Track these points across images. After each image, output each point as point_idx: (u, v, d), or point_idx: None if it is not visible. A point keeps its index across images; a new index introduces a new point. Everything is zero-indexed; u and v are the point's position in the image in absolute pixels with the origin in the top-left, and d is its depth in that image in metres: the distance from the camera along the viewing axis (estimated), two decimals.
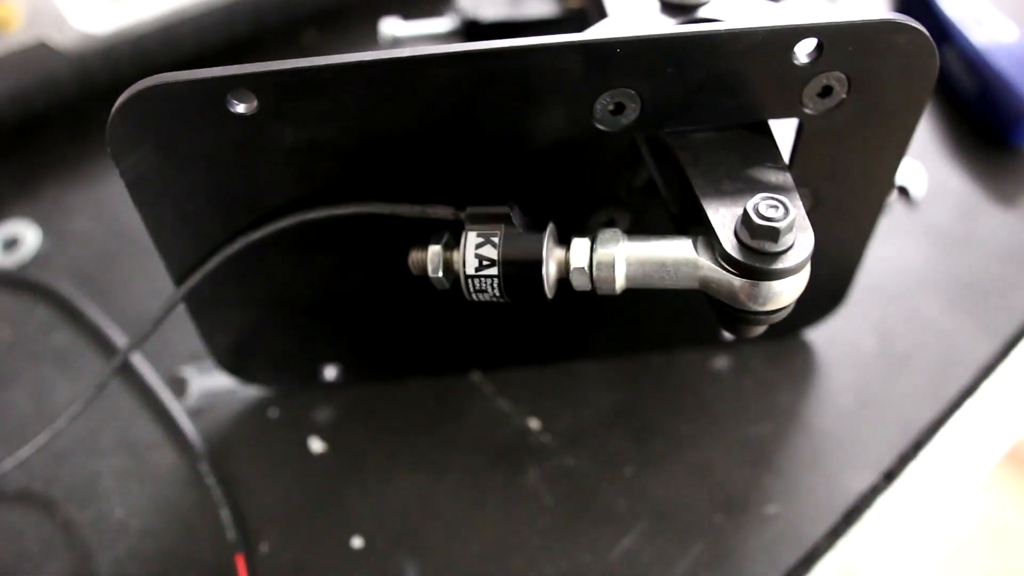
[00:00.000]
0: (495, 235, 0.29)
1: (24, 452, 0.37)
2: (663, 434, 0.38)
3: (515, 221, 0.29)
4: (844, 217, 0.34)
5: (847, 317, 0.41)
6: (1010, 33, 0.47)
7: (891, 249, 0.44)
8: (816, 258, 0.35)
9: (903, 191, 0.46)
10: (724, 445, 0.38)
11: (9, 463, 0.37)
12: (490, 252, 0.28)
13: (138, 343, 0.35)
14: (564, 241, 0.29)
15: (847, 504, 0.36)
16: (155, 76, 0.27)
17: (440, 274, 0.29)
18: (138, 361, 0.41)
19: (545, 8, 0.44)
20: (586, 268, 0.28)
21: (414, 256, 0.30)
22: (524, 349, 0.40)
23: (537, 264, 0.28)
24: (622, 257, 0.28)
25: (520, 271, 0.28)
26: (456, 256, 0.29)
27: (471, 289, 0.29)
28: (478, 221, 0.29)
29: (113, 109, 0.27)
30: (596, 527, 0.36)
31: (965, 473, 0.38)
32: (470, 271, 0.29)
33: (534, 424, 0.39)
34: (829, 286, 0.38)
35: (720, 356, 0.40)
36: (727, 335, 0.40)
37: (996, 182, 0.46)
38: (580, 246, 0.28)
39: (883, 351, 0.40)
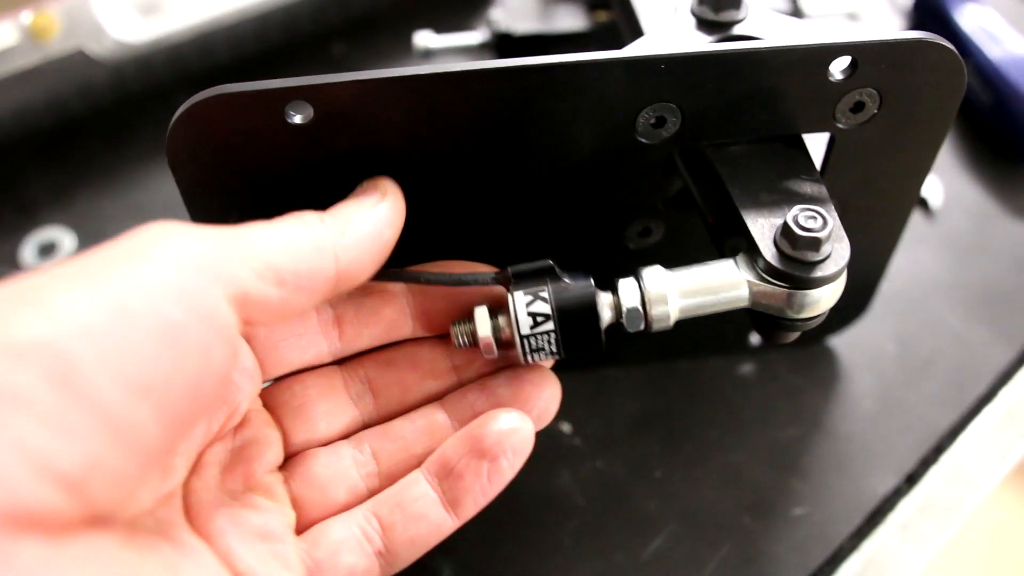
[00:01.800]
0: (543, 290, 0.28)
1: None
2: (691, 439, 0.39)
3: (558, 273, 0.29)
4: (871, 228, 0.35)
5: (869, 324, 0.42)
6: None
7: (910, 258, 0.45)
8: None
9: (922, 202, 0.47)
10: (751, 449, 0.39)
11: None
12: (542, 308, 0.28)
13: None
14: (606, 286, 0.29)
15: (872, 506, 0.37)
16: (217, 87, 0.28)
17: (495, 353, 0.29)
18: None
19: (575, 22, 0.45)
20: (639, 307, 0.28)
21: (458, 334, 0.30)
22: None
23: (592, 309, 0.28)
24: (674, 290, 0.28)
25: (576, 321, 0.28)
26: (502, 321, 0.29)
27: (527, 349, 0.29)
28: (522, 279, 0.29)
29: (173, 119, 0.28)
30: (627, 528, 0.37)
31: (986, 477, 0.39)
32: (525, 331, 0.28)
33: (566, 428, 0.40)
34: (854, 295, 0.39)
35: (746, 362, 0.41)
36: (753, 341, 0.41)
37: (1011, 194, 0.47)
38: (628, 286, 0.29)
39: (904, 357, 0.41)
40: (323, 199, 0.31)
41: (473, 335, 0.29)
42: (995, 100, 0.48)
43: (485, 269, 0.31)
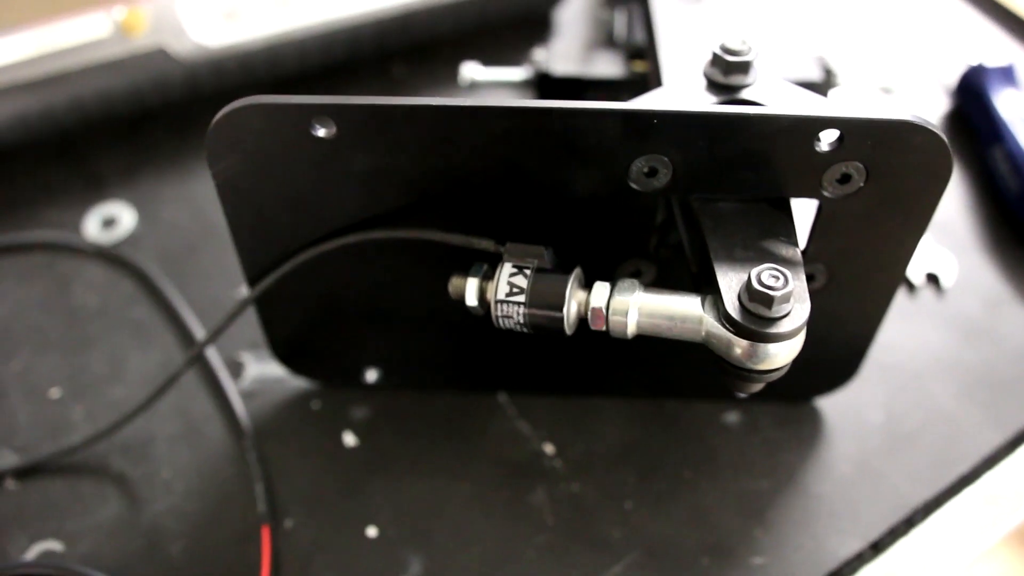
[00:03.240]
0: (528, 268, 0.32)
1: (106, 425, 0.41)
2: (666, 475, 0.41)
3: (548, 261, 0.32)
4: (857, 295, 0.37)
5: (860, 390, 0.43)
6: None
7: (913, 332, 0.45)
8: (829, 331, 0.38)
9: (933, 278, 0.48)
10: (722, 494, 0.40)
11: (90, 434, 0.42)
12: (521, 282, 0.32)
13: (212, 337, 0.39)
14: (589, 285, 0.32)
15: (830, 567, 0.38)
16: (252, 96, 0.31)
17: (475, 302, 0.33)
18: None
19: (613, 69, 0.47)
20: (603, 310, 0.31)
21: (454, 282, 0.34)
22: (550, 378, 0.43)
23: (560, 298, 0.32)
24: (635, 306, 0.31)
25: (544, 304, 0.32)
26: (491, 285, 0.33)
27: (498, 314, 0.32)
28: (516, 255, 0.33)
29: (213, 120, 0.31)
30: (590, 552, 0.38)
31: (955, 557, 0.39)
32: (500, 296, 0.32)
33: (549, 449, 0.42)
34: (841, 359, 0.40)
35: (732, 411, 0.43)
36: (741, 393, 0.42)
37: None
38: (600, 290, 0.32)
39: (889, 428, 0.42)
40: (342, 209, 0.34)
41: (462, 290, 0.33)
42: (1021, 188, 0.48)
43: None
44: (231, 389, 0.44)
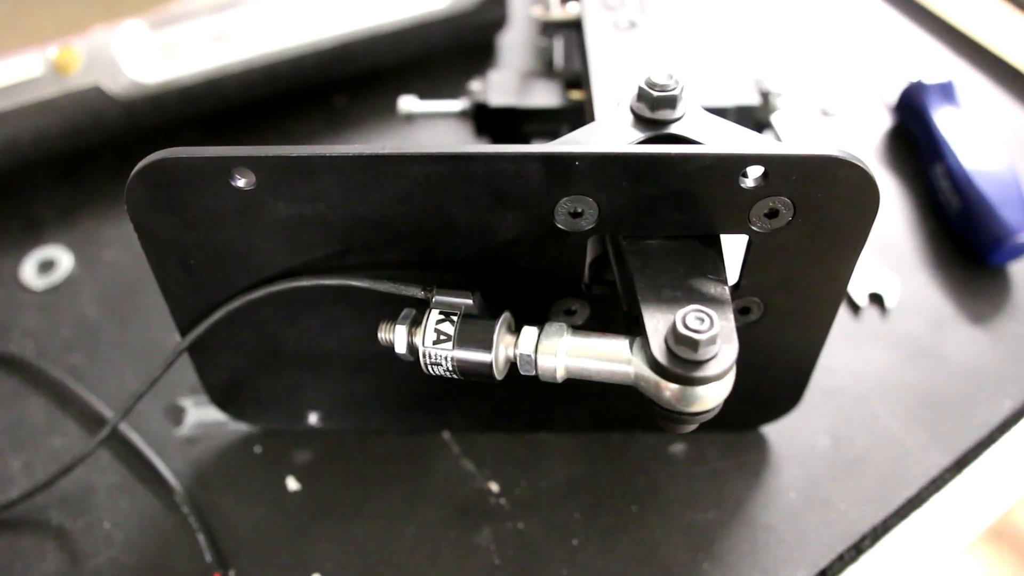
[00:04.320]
0: (455, 314, 0.32)
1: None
2: (613, 510, 0.40)
3: (476, 306, 0.32)
4: (795, 326, 0.36)
5: (804, 416, 0.43)
6: (999, 161, 0.49)
7: (857, 355, 0.45)
8: (769, 361, 0.38)
9: (876, 299, 0.48)
10: (669, 528, 0.40)
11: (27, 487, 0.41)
12: (448, 328, 0.32)
13: (146, 390, 0.37)
14: (519, 329, 0.32)
15: None
16: (169, 149, 0.30)
17: (404, 350, 0.32)
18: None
19: (549, 99, 0.47)
20: (531, 356, 0.31)
21: (382, 331, 0.33)
22: (492, 417, 0.42)
23: (487, 344, 0.31)
24: (563, 349, 0.31)
25: (472, 350, 0.31)
26: (418, 332, 0.32)
27: (427, 361, 0.32)
28: (443, 302, 0.32)
29: (132, 173, 0.31)
30: None
31: None
32: (428, 344, 0.32)
33: (494, 487, 0.41)
34: (784, 388, 0.40)
35: (678, 442, 0.42)
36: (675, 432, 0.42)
37: (970, 300, 0.48)
38: (528, 335, 0.31)
39: (836, 453, 0.42)
40: (269, 257, 0.34)
41: (390, 340, 0.33)
42: (962, 206, 0.48)
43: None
44: (155, 453, 0.43)
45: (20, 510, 0.41)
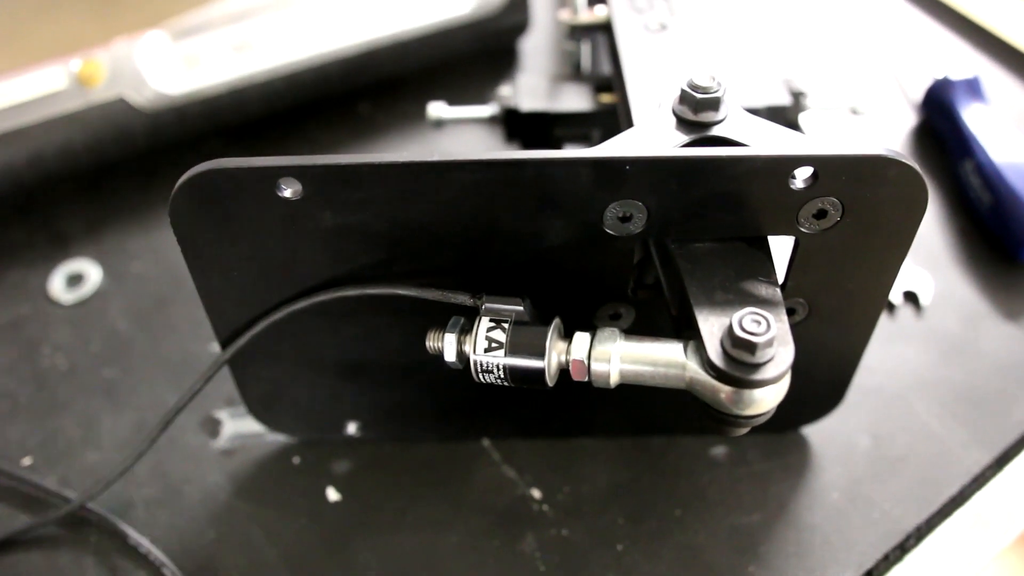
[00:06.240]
0: (506, 321, 0.32)
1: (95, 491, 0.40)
2: (656, 515, 0.40)
3: (526, 313, 0.32)
4: (839, 326, 0.36)
5: (844, 416, 0.43)
6: None
7: (894, 353, 0.45)
8: (813, 362, 0.38)
9: (911, 297, 0.48)
10: (713, 531, 0.39)
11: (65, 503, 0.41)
12: (499, 336, 0.31)
13: (186, 402, 0.37)
14: (569, 335, 0.32)
15: None
16: (216, 160, 0.30)
17: (454, 358, 0.32)
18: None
19: (580, 103, 0.47)
20: (584, 361, 0.31)
21: (430, 340, 0.33)
22: (533, 423, 0.42)
23: (540, 351, 0.31)
24: (617, 355, 0.30)
25: (524, 358, 0.31)
26: (469, 340, 0.32)
27: (478, 370, 0.32)
28: (493, 308, 0.32)
29: (176, 185, 0.30)
30: None
31: None
32: (479, 352, 0.31)
33: (536, 494, 0.41)
34: (826, 388, 0.40)
35: (719, 444, 0.42)
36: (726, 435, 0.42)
37: (1002, 295, 0.47)
38: (581, 340, 0.31)
39: (877, 452, 0.42)
40: (314, 267, 0.33)
41: (439, 348, 0.32)
42: (994, 201, 0.48)
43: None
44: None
45: (58, 526, 0.41)
